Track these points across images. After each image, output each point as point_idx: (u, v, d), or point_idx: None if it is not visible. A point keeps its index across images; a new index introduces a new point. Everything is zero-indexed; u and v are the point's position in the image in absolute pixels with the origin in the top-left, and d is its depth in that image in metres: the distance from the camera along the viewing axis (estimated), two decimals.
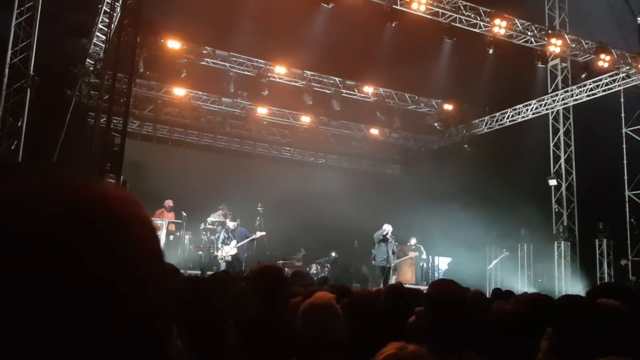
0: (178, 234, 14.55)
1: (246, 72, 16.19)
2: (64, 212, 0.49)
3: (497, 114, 18.28)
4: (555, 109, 17.41)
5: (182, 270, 10.89)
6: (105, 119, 10.83)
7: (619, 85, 15.39)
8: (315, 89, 16.98)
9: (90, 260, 0.49)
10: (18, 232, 0.47)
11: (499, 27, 13.59)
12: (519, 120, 17.73)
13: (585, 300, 2.37)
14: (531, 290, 13.47)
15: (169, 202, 14.24)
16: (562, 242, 17.06)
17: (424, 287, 12.86)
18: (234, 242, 12.96)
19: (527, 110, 17.49)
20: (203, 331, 2.25)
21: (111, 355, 0.48)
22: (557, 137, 17.70)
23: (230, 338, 2.61)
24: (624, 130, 16.46)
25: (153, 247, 0.56)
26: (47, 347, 0.45)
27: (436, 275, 17.89)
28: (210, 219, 14.74)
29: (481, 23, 13.62)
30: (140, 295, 0.52)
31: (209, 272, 11.47)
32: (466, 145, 19.01)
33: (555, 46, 14.20)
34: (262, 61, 16.16)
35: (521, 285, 15.59)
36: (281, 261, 14.19)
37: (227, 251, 12.91)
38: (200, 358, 1.96)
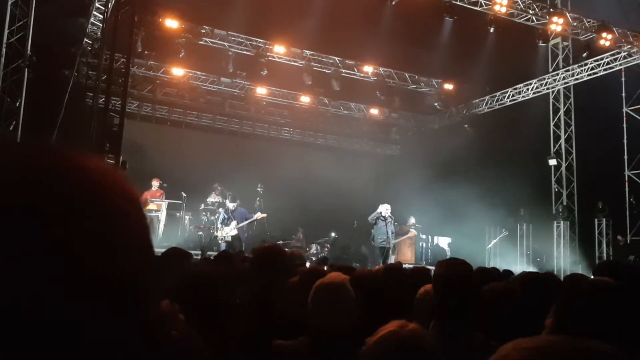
0: (178, 214, 14.57)
1: (245, 52, 16.07)
2: (39, 180, 0.48)
3: (498, 93, 18.21)
4: (556, 89, 17.33)
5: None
6: (103, 99, 10.78)
7: (620, 65, 15.30)
8: (314, 68, 16.88)
9: (67, 232, 0.48)
10: None
11: (500, 5, 13.44)
12: (520, 99, 17.66)
13: (589, 279, 2.38)
14: (530, 269, 13.54)
15: (155, 181, 14.07)
16: (562, 221, 17.10)
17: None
18: (234, 223, 12.97)
19: (527, 89, 17.42)
20: (207, 312, 2.26)
21: (90, 326, 0.48)
22: (558, 116, 17.63)
23: (233, 318, 2.62)
24: (624, 109, 16.40)
25: (138, 222, 0.54)
26: (22, 316, 0.45)
27: (429, 254, 18.02)
28: (210, 199, 14.76)
29: (482, 1, 13.48)
30: (123, 268, 0.51)
31: (210, 253, 11.52)
32: (466, 125, 18.97)
33: (556, 25, 14.08)
34: (261, 40, 16.03)
35: (520, 264, 15.66)
36: (281, 241, 14.24)
37: (227, 232, 12.93)
38: (205, 339, 1.97)
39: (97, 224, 0.50)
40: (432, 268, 3.75)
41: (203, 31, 15.44)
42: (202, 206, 14.67)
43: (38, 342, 0.45)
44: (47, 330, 0.45)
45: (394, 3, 13.06)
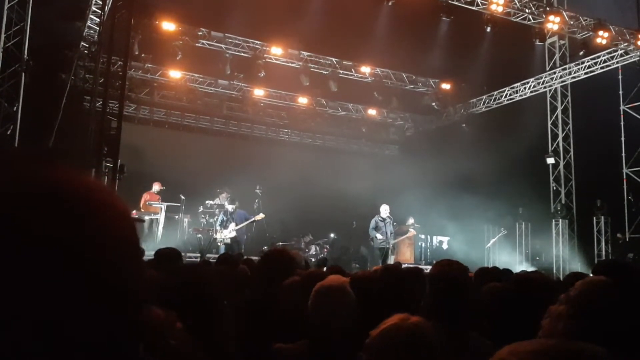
0: (177, 217, 14.54)
1: (242, 54, 16.07)
2: (46, 198, 0.52)
3: (495, 92, 18.22)
4: (553, 87, 17.34)
5: (182, 253, 10.90)
6: (101, 102, 10.78)
7: (617, 62, 15.32)
8: (312, 69, 16.88)
9: (69, 243, 0.53)
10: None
11: (497, 4, 13.46)
12: (517, 98, 17.68)
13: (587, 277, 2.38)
14: (529, 268, 13.55)
15: (156, 185, 14.14)
16: (560, 220, 17.10)
17: (422, 267, 12.93)
18: (232, 225, 12.96)
19: (525, 88, 17.43)
20: (199, 314, 2.26)
21: (89, 326, 0.52)
22: (555, 115, 17.64)
23: (226, 321, 2.62)
24: (622, 107, 16.43)
25: (128, 235, 0.60)
26: (29, 322, 0.47)
27: (428, 253, 18.02)
28: (211, 202, 14.73)
29: (479, 0, 13.50)
30: (115, 279, 0.56)
31: (209, 255, 11.52)
32: (464, 125, 18.98)
33: (553, 23, 14.11)
34: (258, 42, 16.04)
35: (519, 263, 15.67)
36: (280, 243, 14.22)
37: (226, 234, 12.93)
38: (197, 340, 1.97)
39: (92, 233, 0.53)
40: (425, 267, 3.75)
41: (200, 33, 15.44)
42: (201, 208, 14.66)
43: (32, 341, 0.47)
44: (42, 329, 0.48)
45: (390, 3, 13.07)
